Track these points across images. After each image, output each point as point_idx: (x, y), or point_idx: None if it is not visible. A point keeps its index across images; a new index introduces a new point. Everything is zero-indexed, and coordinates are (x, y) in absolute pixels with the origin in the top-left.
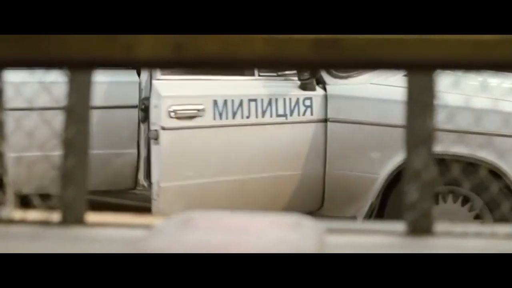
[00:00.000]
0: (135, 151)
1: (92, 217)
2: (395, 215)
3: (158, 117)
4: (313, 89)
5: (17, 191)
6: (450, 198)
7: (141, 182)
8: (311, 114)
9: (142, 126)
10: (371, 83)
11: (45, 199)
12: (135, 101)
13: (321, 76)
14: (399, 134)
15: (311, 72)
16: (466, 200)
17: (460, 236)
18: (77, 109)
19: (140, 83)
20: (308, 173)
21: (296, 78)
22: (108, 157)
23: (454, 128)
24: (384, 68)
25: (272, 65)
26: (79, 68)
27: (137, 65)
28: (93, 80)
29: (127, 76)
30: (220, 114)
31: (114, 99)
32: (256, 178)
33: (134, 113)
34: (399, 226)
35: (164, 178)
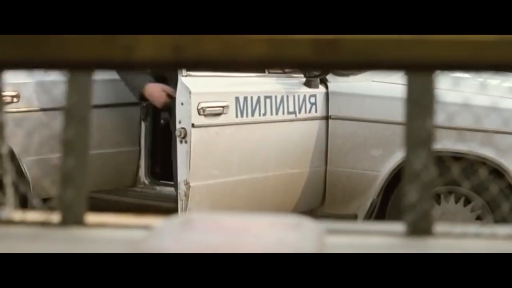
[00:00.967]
0: (137, 148)
1: (92, 217)
2: (397, 213)
3: (187, 114)
4: (317, 87)
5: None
6: (451, 198)
7: (142, 180)
8: (316, 111)
9: (143, 124)
10: (372, 81)
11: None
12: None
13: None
14: (400, 132)
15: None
16: (468, 201)
17: (460, 237)
18: (76, 109)
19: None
20: (313, 170)
21: (302, 75)
22: (109, 156)
23: (455, 126)
24: (385, 69)
25: (273, 65)
26: (78, 69)
27: (137, 66)
28: (92, 80)
29: None
30: (241, 112)
31: (114, 98)
32: (272, 176)
33: (135, 111)
34: (399, 227)
35: (193, 177)
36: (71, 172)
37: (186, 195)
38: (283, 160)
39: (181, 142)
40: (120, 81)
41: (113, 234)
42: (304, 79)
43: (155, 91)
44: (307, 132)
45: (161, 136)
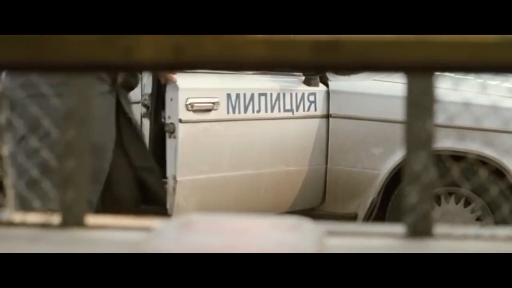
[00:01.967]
0: None
1: (92, 219)
2: (398, 212)
3: (175, 110)
4: (317, 85)
5: None
6: (452, 200)
7: None
8: (315, 109)
9: (144, 121)
10: (373, 79)
11: None
12: (137, 97)
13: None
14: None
15: None
16: (468, 202)
17: (460, 239)
18: (76, 111)
19: (141, 79)
20: (312, 168)
21: (300, 73)
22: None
23: (456, 125)
24: (385, 70)
25: (273, 66)
26: (78, 70)
27: (137, 67)
28: (93, 82)
29: None
30: (233, 108)
31: None
32: (266, 173)
33: (135, 109)
34: (399, 228)
35: (180, 172)
36: (71, 173)
37: (174, 190)
38: (278, 157)
39: (169, 137)
40: None
41: (113, 235)
42: (303, 77)
43: None
44: (306, 130)
45: (160, 133)
